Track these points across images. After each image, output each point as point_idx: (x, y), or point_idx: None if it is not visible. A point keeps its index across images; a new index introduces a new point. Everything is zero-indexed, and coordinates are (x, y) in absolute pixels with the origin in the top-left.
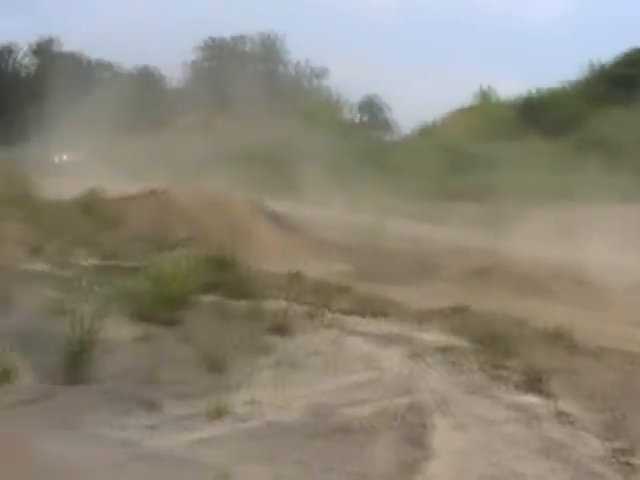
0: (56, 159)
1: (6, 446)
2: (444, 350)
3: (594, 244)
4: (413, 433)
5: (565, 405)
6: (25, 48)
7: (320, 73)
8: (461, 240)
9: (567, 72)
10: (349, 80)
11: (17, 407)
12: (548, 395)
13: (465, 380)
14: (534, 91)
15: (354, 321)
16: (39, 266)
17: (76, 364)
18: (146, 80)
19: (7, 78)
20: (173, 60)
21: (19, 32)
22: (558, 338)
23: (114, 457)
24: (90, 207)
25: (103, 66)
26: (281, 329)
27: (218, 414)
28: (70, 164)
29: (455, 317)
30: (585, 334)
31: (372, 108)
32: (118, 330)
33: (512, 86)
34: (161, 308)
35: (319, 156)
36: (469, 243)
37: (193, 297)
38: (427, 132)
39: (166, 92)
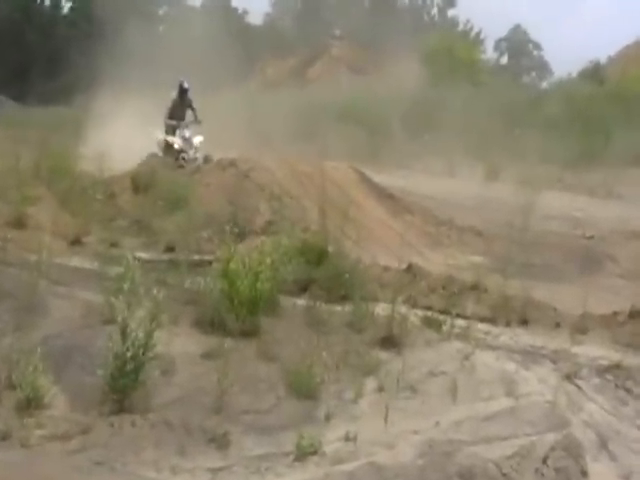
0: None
1: None
2: (607, 370)
3: None
4: None
5: None
6: None
7: (447, 1)
8: (638, 220)
9: None
10: (482, 11)
11: (49, 443)
12: None
13: (636, 410)
14: None
15: (487, 331)
16: (80, 261)
17: (126, 388)
18: (225, 17)
19: (42, 20)
20: None
21: None
22: None
23: None
24: (148, 183)
25: None
26: (391, 342)
27: (306, 453)
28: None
29: (624, 326)
30: None
31: (518, 46)
32: (181, 343)
33: None
34: (237, 314)
35: (448, 111)
36: None
37: (279, 299)
38: (590, 75)
39: (250, 32)
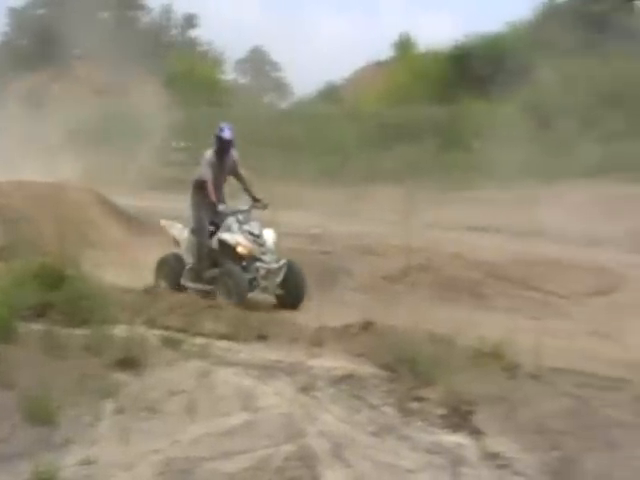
0: None
1: None
2: (342, 380)
3: (539, 235)
4: None
5: (499, 444)
6: None
7: (188, 22)
8: (376, 235)
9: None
10: (224, 32)
11: None
12: (477, 432)
13: (369, 418)
14: (468, 38)
15: (226, 348)
16: None
17: None
18: None
19: None
20: None
21: None
22: (492, 358)
23: None
24: None
25: None
26: (131, 363)
27: None
28: None
29: (356, 337)
30: (529, 351)
31: (258, 67)
32: None
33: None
34: None
35: (190, 131)
36: (386, 239)
37: (15, 325)
38: (327, 96)
39: None
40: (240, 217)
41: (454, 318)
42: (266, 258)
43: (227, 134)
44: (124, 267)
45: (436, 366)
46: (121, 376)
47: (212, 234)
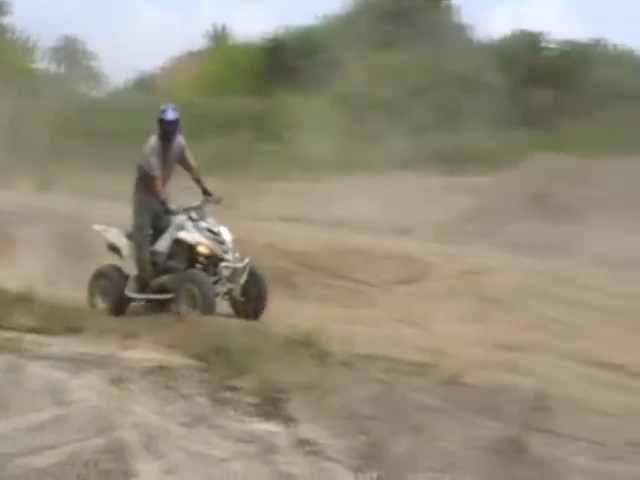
0: None
1: None
2: (154, 371)
3: (351, 225)
4: None
5: (309, 431)
6: None
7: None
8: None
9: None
10: (38, 20)
11: None
12: (289, 420)
13: (180, 408)
14: (280, 30)
15: (38, 341)
16: None
17: None
18: None
19: None
20: None
21: None
22: (304, 346)
23: None
24: None
25: None
26: None
27: None
28: None
29: (171, 327)
30: (339, 339)
31: (71, 56)
32: None
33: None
34: None
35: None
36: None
37: None
38: (143, 85)
39: None
40: (193, 214)
41: (268, 307)
42: (229, 257)
43: (170, 115)
44: None
45: (249, 355)
46: None
47: (153, 238)
